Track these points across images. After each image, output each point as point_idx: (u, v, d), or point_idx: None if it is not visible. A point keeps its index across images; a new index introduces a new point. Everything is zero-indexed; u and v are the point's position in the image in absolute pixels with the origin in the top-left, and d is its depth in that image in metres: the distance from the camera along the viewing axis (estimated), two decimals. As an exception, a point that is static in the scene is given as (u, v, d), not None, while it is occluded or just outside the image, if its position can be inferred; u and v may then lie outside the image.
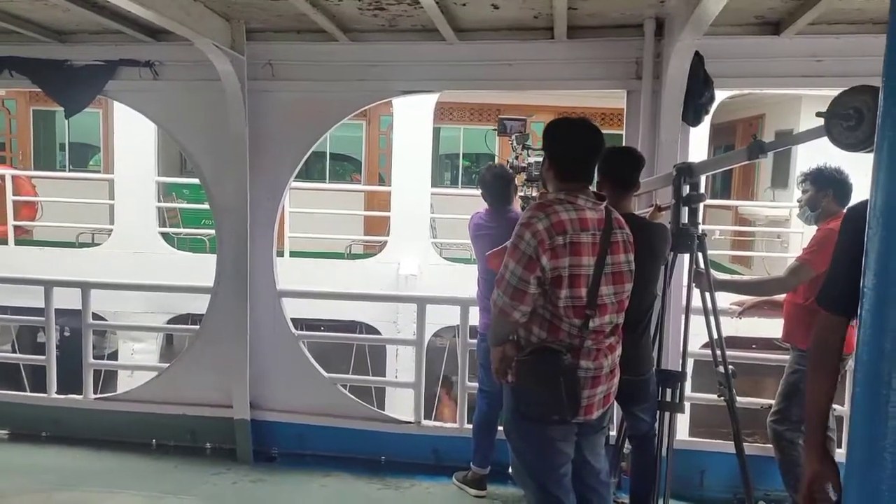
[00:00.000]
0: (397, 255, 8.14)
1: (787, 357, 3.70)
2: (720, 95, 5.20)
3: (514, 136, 4.13)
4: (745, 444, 3.57)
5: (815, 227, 3.58)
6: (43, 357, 4.90)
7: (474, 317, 4.16)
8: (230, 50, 4.03)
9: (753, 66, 3.98)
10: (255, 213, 4.40)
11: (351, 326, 8.18)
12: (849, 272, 1.50)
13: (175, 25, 3.55)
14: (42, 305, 4.85)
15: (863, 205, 1.10)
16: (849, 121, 2.24)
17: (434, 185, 8.59)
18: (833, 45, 3.78)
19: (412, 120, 8.07)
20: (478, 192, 4.03)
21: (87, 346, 4.84)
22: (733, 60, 3.91)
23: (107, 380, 7.91)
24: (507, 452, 2.72)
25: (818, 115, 2.41)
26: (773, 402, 3.68)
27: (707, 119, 4.33)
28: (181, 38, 3.87)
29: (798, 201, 3.68)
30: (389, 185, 8.73)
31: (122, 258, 8.06)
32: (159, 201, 8.98)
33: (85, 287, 4.83)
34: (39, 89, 4.63)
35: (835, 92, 2.43)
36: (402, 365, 7.57)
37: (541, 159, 3.59)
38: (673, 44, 3.55)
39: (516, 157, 4.11)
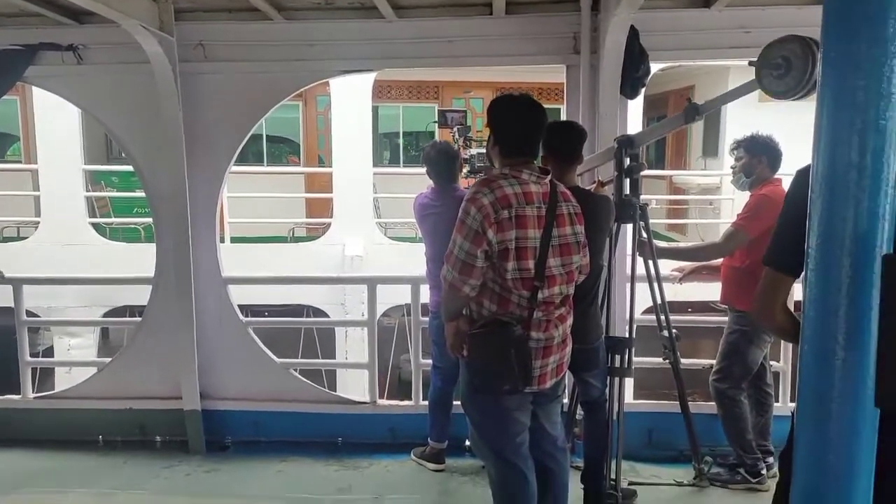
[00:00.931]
0: (342, 237, 8.06)
1: (724, 319, 3.86)
2: (652, 68, 5.32)
3: (455, 129, 4.13)
4: (690, 402, 3.74)
5: (747, 194, 3.73)
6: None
7: (425, 295, 4.19)
8: (158, 31, 3.88)
9: (685, 38, 4.07)
10: (195, 200, 4.27)
11: (298, 310, 8.07)
12: (795, 231, 1.57)
13: (98, 6, 3.39)
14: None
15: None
16: (778, 69, 2.35)
17: (378, 164, 8.50)
18: (760, 17, 3.91)
19: (350, 99, 7.95)
20: (421, 170, 4.03)
21: (22, 344, 4.64)
22: (666, 34, 4.00)
23: (42, 378, 7.60)
24: (463, 426, 2.77)
25: (750, 63, 2.51)
26: (713, 362, 3.84)
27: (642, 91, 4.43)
28: (106, 20, 3.69)
29: (732, 168, 3.80)
30: (329, 167, 8.61)
31: (51, 251, 7.71)
32: (87, 190, 8.61)
33: (16, 283, 4.62)
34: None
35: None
36: (352, 346, 7.55)
37: (483, 151, 3.62)
38: (609, 18, 3.61)
39: (458, 149, 4.11)
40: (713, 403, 3.81)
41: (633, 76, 3.89)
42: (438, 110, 4.32)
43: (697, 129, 10.96)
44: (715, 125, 9.79)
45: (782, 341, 3.91)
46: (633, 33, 3.78)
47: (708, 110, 3.21)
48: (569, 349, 2.68)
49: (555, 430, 2.78)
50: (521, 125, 2.55)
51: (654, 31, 3.90)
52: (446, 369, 3.89)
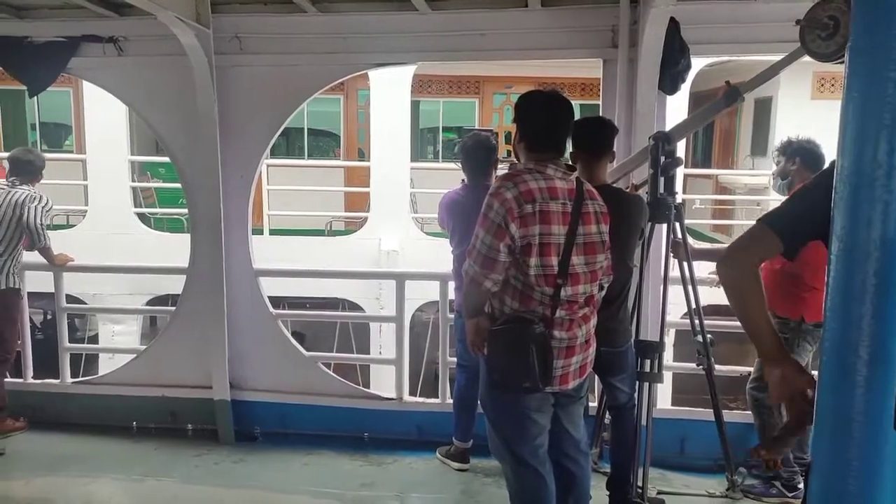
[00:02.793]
0: (378, 231, 8.06)
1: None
2: (698, 63, 5.12)
3: None
4: (726, 410, 3.61)
5: (791, 196, 3.59)
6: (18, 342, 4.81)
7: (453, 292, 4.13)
8: (195, 23, 3.91)
9: (730, 32, 3.92)
10: (228, 191, 4.31)
11: (334, 304, 8.12)
12: (806, 208, 1.46)
13: (136, -2, 3.44)
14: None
15: None
16: (826, 29, 2.25)
17: (417, 159, 8.44)
18: (810, 10, 3.72)
19: (389, 93, 7.93)
20: (457, 165, 3.96)
21: (61, 330, 4.77)
22: (709, 27, 3.85)
23: (90, 362, 7.84)
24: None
25: (797, 23, 2.39)
26: (752, 369, 3.70)
27: (686, 88, 4.28)
28: (144, 13, 3.74)
29: (772, 174, 3.68)
30: (369, 161, 8.62)
31: (97, 240, 7.90)
32: (134, 181, 8.80)
33: (57, 271, 4.73)
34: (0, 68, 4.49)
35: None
36: (386, 341, 7.53)
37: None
38: (648, 10, 3.49)
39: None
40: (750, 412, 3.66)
41: (672, 70, 3.76)
42: (465, 130, 4.26)
43: (746, 127, 10.61)
44: (764, 123, 9.46)
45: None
46: (674, 26, 3.65)
47: (749, 90, 3.10)
48: (592, 349, 2.61)
49: (577, 433, 2.70)
50: (546, 119, 2.50)
51: (697, 23, 3.76)
52: (471, 368, 3.82)
